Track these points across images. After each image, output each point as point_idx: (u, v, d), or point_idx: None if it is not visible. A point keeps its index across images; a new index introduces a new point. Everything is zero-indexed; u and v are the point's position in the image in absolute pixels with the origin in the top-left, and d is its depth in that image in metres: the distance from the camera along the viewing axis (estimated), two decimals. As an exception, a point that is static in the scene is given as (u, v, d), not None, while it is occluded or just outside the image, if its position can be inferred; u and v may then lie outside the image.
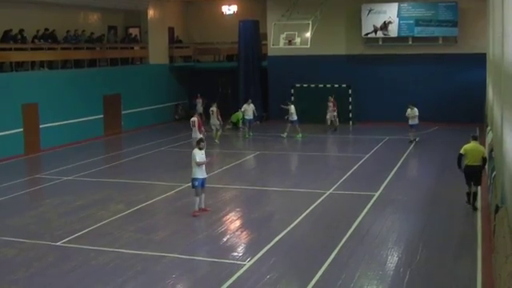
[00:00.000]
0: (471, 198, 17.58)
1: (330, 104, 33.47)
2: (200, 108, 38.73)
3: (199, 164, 17.32)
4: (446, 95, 35.12)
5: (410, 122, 29.55)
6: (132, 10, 38.40)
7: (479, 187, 17.81)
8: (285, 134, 31.48)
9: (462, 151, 17.41)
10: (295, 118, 31.39)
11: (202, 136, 23.04)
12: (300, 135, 31.46)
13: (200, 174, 17.44)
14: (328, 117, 33.64)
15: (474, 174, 17.39)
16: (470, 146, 17.49)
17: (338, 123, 34.19)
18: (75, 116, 31.66)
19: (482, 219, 16.49)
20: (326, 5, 34.64)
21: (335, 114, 33.93)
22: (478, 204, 17.70)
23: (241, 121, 34.76)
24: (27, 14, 30.71)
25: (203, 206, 17.67)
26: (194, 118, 26.10)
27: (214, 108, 30.99)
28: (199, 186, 17.46)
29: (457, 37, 35.00)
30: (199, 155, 17.48)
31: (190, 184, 21.14)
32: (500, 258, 10.47)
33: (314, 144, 30.55)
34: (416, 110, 29.42)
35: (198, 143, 17.81)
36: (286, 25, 34.74)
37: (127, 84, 35.99)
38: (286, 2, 35.10)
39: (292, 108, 31.47)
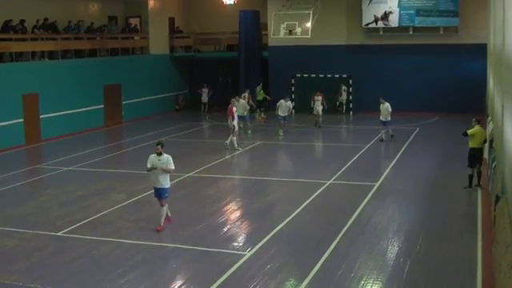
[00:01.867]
0: (475, 178, 18.42)
1: (320, 98, 32.45)
2: (205, 98, 38.77)
3: (148, 170, 15.23)
4: (446, 85, 35.08)
5: (382, 118, 27.51)
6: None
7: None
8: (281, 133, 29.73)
9: (469, 132, 18.24)
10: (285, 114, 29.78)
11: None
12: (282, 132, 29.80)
13: (153, 182, 15.37)
14: (315, 112, 31.96)
15: (478, 156, 18.38)
16: (477, 130, 18.34)
17: (321, 120, 32.12)
18: (76, 106, 31.65)
19: (482, 209, 16.51)
20: (326, -6, 34.67)
21: (322, 108, 32.32)
22: (479, 196, 17.85)
23: (263, 97, 35.83)
24: (27, 4, 30.65)
25: (162, 221, 15.30)
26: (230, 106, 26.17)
27: (246, 94, 32.59)
28: (156, 195, 15.46)
29: (458, 27, 34.93)
30: (150, 161, 15.14)
31: (189, 174, 21.29)
32: (500, 249, 10.49)
33: (314, 134, 30.55)
34: (388, 104, 27.37)
35: (156, 145, 15.35)
36: (287, 15, 34.69)
37: (128, 74, 35.97)
38: (286, -9, 35.04)
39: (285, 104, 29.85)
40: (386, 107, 27.22)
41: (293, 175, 21.11)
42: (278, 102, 30.07)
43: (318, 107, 32.19)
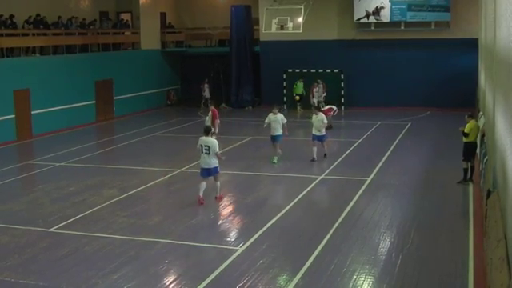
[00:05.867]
0: (468, 173, 18.44)
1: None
2: (207, 93, 38.63)
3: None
4: (438, 80, 35.16)
5: (315, 133, 22.39)
6: (123, -6, 38.32)
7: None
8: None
9: (466, 130, 18.13)
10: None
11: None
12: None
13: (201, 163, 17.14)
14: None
15: (473, 150, 18.46)
16: (472, 125, 18.26)
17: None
18: (67, 102, 31.57)
19: (473, 204, 16.57)
20: (318, -11, 34.67)
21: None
22: (470, 189, 17.94)
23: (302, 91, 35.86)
24: (18, 0, 30.55)
25: (218, 194, 17.42)
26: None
27: (320, 85, 34.53)
28: (201, 175, 17.17)
29: (449, 22, 34.99)
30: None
31: (182, 169, 21.32)
32: (492, 243, 10.53)
33: (306, 129, 30.50)
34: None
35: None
36: (278, 10, 34.70)
37: (119, 69, 35.89)
38: (277, -14, 35.05)
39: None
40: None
41: (285, 170, 21.09)
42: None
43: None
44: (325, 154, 22.56)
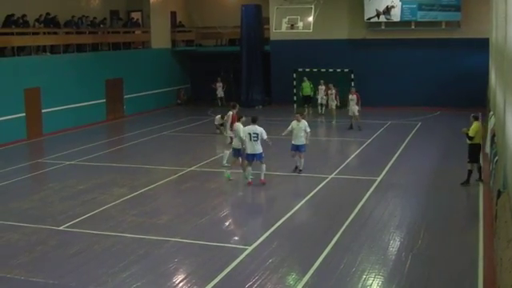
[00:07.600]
0: (475, 173, 18.37)
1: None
2: (221, 92, 38.55)
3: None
4: (448, 80, 35.04)
5: (295, 142, 20.10)
6: (134, -7, 38.40)
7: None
8: None
9: (471, 134, 18.07)
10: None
11: None
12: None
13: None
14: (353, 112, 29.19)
15: (478, 151, 18.31)
16: (476, 127, 18.15)
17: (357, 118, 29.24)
18: (77, 100, 31.65)
19: (483, 204, 16.51)
20: (328, -11, 34.63)
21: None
22: (480, 191, 17.90)
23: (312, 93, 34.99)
24: (29, -1, 30.73)
25: (262, 178, 18.95)
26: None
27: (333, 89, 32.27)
28: (247, 159, 19.01)
29: (460, 21, 34.87)
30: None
31: (191, 168, 21.33)
32: (501, 243, 10.50)
33: (315, 128, 30.47)
34: (304, 122, 19.98)
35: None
36: (289, 9, 34.71)
37: (129, 68, 35.97)
38: (288, -14, 35.06)
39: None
40: (301, 125, 20.02)
41: (294, 169, 21.05)
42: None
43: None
44: (299, 169, 20.32)
